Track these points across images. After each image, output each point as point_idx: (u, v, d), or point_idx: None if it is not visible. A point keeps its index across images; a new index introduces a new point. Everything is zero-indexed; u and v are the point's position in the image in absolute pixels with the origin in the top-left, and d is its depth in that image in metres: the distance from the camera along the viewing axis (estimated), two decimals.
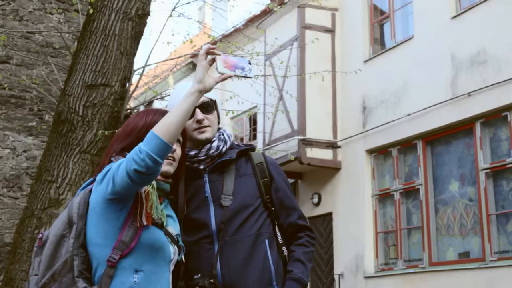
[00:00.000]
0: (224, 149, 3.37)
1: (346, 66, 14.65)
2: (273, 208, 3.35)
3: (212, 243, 3.23)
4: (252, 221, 3.26)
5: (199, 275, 3.16)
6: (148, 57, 9.31)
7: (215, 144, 3.34)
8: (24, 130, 9.53)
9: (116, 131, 7.00)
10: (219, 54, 2.92)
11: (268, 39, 14.70)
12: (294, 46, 15.27)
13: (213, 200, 3.28)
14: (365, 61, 14.89)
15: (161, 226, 2.89)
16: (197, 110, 3.30)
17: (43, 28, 9.86)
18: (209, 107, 3.34)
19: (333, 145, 15.25)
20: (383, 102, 14.21)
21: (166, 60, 12.29)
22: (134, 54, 7.17)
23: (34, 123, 9.58)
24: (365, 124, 14.68)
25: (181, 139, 3.10)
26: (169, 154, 2.98)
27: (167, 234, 2.93)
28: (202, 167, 3.34)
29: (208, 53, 2.89)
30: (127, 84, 7.35)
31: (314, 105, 15.03)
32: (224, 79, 2.92)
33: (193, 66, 20.20)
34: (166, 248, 2.89)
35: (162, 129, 2.71)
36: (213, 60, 2.93)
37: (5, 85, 9.36)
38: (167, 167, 3.01)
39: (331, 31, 15.69)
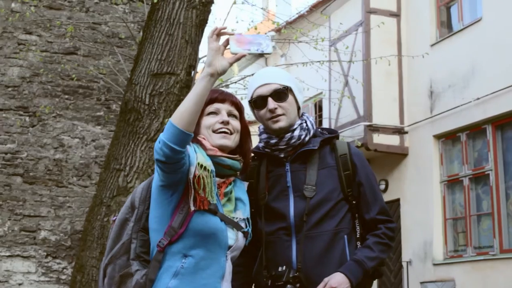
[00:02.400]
0: (306, 138, 3.26)
1: (412, 50, 14.43)
2: (354, 202, 3.24)
3: (290, 235, 3.15)
4: (332, 216, 3.17)
5: (284, 267, 3.10)
6: None
7: (296, 133, 3.23)
8: (92, 120, 9.67)
9: None
10: (232, 34, 2.81)
11: (332, 24, 14.58)
12: (359, 31, 15.10)
13: (294, 191, 3.19)
14: (432, 45, 14.63)
15: (214, 212, 2.86)
16: (269, 99, 3.21)
17: (109, 19, 9.97)
18: (281, 94, 3.22)
19: (400, 131, 15.06)
20: (451, 86, 13.95)
21: None
22: (199, 42, 7.18)
23: (101, 113, 9.71)
24: (433, 109, 14.44)
25: (235, 112, 3.06)
26: (223, 127, 2.98)
27: (225, 219, 2.90)
28: (282, 155, 3.25)
29: (218, 34, 2.80)
30: (193, 72, 7.37)
31: (380, 90, 14.85)
32: (237, 59, 2.81)
33: (258, 54, 20.19)
34: (219, 234, 2.86)
35: (177, 116, 2.71)
36: (228, 41, 2.82)
37: (73, 76, 9.51)
38: (222, 140, 2.98)
39: (396, 15, 15.46)
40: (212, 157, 2.94)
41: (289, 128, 3.24)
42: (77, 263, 6.89)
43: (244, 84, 9.65)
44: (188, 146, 2.90)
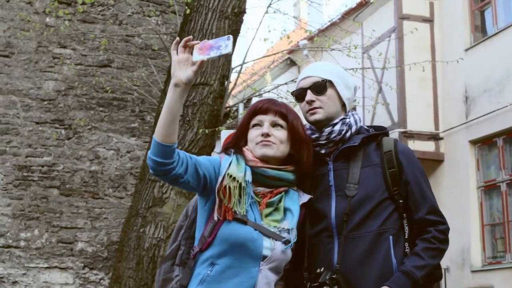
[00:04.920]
0: (348, 135, 3.17)
1: (446, 55, 14.30)
2: (401, 201, 3.10)
3: (331, 237, 3.06)
4: (376, 215, 3.05)
5: (322, 268, 3.00)
6: (246, 54, 9.34)
7: (337, 128, 3.15)
8: (127, 132, 9.72)
9: (216, 129, 7.07)
10: (197, 43, 2.83)
11: (365, 31, 14.51)
12: (392, 37, 15.01)
13: (336, 190, 3.10)
14: (466, 50, 14.48)
15: (244, 222, 2.86)
16: (308, 92, 3.19)
17: (142, 31, 10.04)
18: (319, 88, 3.20)
19: (435, 137, 14.93)
20: (486, 91, 13.79)
21: (264, 57, 12.31)
22: (232, 52, 7.19)
23: (136, 124, 9.77)
24: (468, 114, 14.29)
25: (280, 122, 3.03)
26: (264, 139, 2.98)
27: (260, 229, 2.88)
28: (323, 151, 3.17)
29: (185, 46, 2.82)
30: (226, 82, 7.38)
31: (415, 96, 14.74)
32: (200, 66, 2.81)
33: (290, 62, 20.13)
34: (249, 244, 2.85)
35: (155, 129, 2.77)
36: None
37: (108, 88, 9.58)
38: (262, 149, 2.97)
39: (429, 20, 15.34)
40: (254, 168, 2.96)
41: (329, 122, 3.18)
42: (114, 274, 6.93)
43: (278, 93, 9.64)
44: (226, 156, 2.97)
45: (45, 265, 9.10)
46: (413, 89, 14.71)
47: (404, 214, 3.12)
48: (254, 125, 3.04)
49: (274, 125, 3.01)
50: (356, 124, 3.22)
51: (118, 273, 6.76)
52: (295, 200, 3.03)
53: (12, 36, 9.50)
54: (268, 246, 2.89)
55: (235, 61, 10.93)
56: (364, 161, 3.14)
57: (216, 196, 2.87)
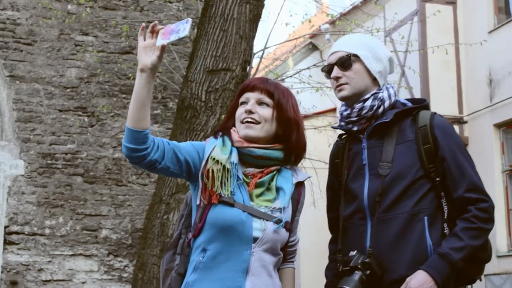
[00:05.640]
0: (380, 110, 3.02)
1: (470, 37, 14.14)
2: (438, 179, 2.94)
3: (364, 219, 2.96)
4: (410, 195, 2.91)
5: (355, 252, 2.90)
6: (267, 39, 9.30)
7: (368, 103, 3.01)
8: (150, 118, 9.73)
9: None
10: (161, 28, 2.82)
11: (387, 14, 14.38)
12: (414, 20, 14.87)
13: (370, 169, 2.98)
14: (490, 32, 14.31)
15: (231, 204, 2.81)
16: (334, 67, 3.07)
17: (163, 17, 10.02)
18: (345, 63, 3.06)
19: (459, 121, 14.80)
20: (510, 73, 13.63)
21: (285, 41, 12.25)
22: (253, 37, 7.16)
23: (158, 111, 9.77)
24: (492, 97, 14.14)
25: (266, 100, 2.95)
26: (247, 116, 2.92)
27: (248, 210, 2.82)
28: (356, 128, 3.06)
29: (152, 32, 2.81)
30: (248, 68, 7.35)
31: (438, 79, 14.60)
32: (162, 51, 2.78)
33: (312, 47, 20.01)
34: (238, 226, 2.80)
35: (127, 116, 2.78)
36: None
37: (130, 75, 9.59)
38: (245, 130, 2.92)
39: (452, 2, 15.17)
40: (240, 149, 2.91)
41: (359, 98, 3.04)
42: (138, 261, 6.95)
43: (300, 78, 9.59)
44: (212, 140, 2.95)
45: (70, 253, 9.15)
46: (436, 73, 14.58)
47: (443, 193, 2.96)
48: (242, 103, 2.99)
49: (260, 103, 2.95)
50: (390, 98, 3.06)
51: (143, 260, 6.77)
52: (288, 179, 2.96)
53: (34, 24, 9.52)
54: (259, 227, 2.82)
55: (257, 46, 10.88)
56: (399, 137, 2.99)
57: (200, 181, 2.86)
